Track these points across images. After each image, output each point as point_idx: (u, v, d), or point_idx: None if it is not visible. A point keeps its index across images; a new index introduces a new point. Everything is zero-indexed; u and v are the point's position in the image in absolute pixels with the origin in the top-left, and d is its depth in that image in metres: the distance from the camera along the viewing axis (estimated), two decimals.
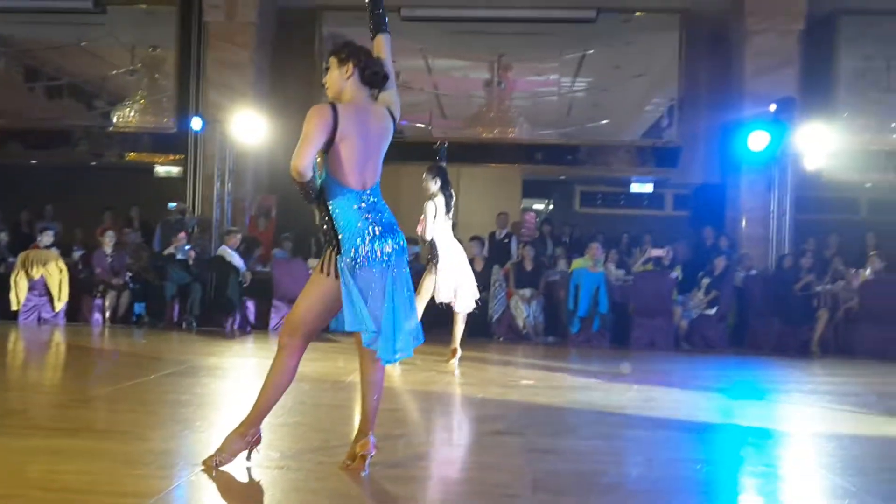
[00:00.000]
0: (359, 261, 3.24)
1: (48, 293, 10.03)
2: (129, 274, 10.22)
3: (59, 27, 12.87)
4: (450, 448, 4.10)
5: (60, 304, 10.07)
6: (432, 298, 7.07)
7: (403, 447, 4.02)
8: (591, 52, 12.48)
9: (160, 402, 5.02)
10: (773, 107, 10.66)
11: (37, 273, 9.96)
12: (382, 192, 3.45)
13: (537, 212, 14.78)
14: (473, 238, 9.91)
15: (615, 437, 4.49)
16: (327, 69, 3.44)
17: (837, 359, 9.07)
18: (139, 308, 10.19)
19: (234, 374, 6.79)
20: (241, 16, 11.59)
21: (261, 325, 9.87)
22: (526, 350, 9.14)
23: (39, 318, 9.98)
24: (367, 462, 3.35)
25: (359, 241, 3.25)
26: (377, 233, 3.28)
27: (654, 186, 13.86)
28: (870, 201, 13.54)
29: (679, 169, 12.44)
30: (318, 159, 3.32)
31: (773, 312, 9.71)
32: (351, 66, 3.38)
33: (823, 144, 10.78)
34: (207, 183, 11.69)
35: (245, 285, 9.93)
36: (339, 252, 3.27)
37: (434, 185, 6.90)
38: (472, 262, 8.39)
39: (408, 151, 12.35)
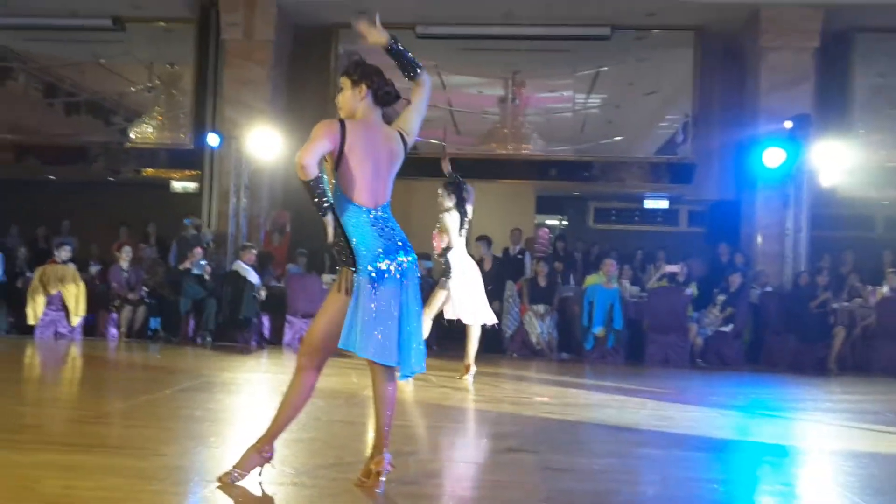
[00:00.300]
0: (376, 277, 3.26)
1: (65, 308, 10.09)
2: (144, 289, 10.28)
3: (78, 44, 13.04)
4: (464, 465, 4.09)
5: (77, 319, 10.13)
6: (440, 313, 7.09)
7: (417, 464, 4.01)
8: (605, 68, 12.51)
9: (175, 417, 5.04)
10: (788, 123, 10.64)
11: (54, 288, 10.03)
12: (394, 206, 3.48)
13: (551, 228, 14.77)
14: (480, 238, 9.86)
15: (630, 456, 4.46)
16: (341, 89, 3.46)
17: (854, 376, 9.00)
18: (155, 323, 10.25)
19: (249, 389, 6.81)
20: (259, 33, 11.71)
21: (275, 340, 9.90)
22: (540, 366, 9.11)
23: (56, 333, 10.04)
24: (382, 479, 3.34)
25: (375, 258, 3.28)
26: (391, 249, 3.31)
27: (669, 203, 13.84)
28: (886, 218, 13.45)
29: (693, 185, 12.42)
30: (330, 176, 3.34)
31: (789, 329, 9.65)
32: (364, 87, 3.41)
33: (839, 161, 10.73)
34: (223, 198, 11.78)
35: (260, 300, 9.97)
36: (355, 269, 3.29)
37: (450, 202, 6.91)
38: (480, 262, 8.44)
39: (421, 167, 12.43)
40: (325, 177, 3.28)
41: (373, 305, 3.24)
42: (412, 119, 3.56)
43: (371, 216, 3.33)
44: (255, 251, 10.35)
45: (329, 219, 3.30)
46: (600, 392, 7.35)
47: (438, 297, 7.01)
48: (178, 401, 5.67)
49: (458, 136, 12.98)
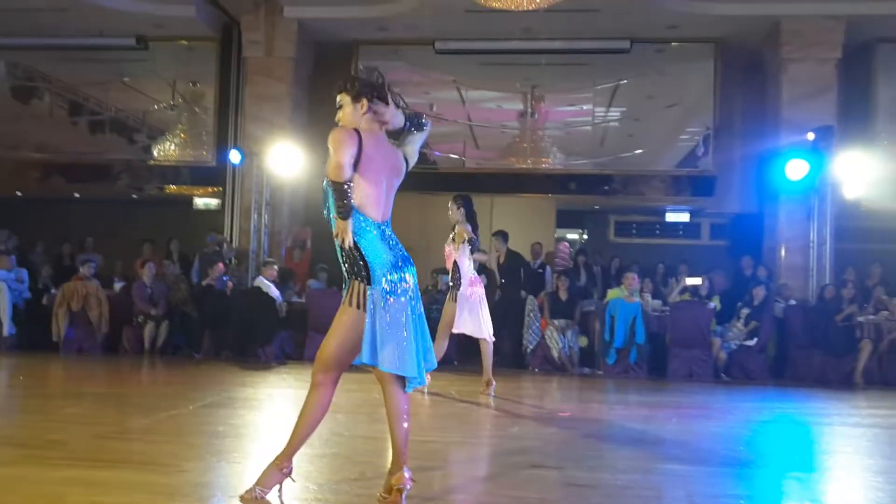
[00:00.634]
0: (390, 290, 3.29)
1: (89, 325, 10.20)
2: (167, 305, 10.36)
3: (102, 63, 13.21)
4: (485, 482, 4.06)
5: (101, 336, 10.24)
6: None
7: (439, 480, 3.99)
8: (625, 82, 12.49)
9: (198, 433, 5.06)
10: (811, 135, 10.56)
11: (78, 305, 10.15)
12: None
13: (571, 241, 14.73)
14: (497, 233, 9.93)
15: (654, 472, 4.41)
16: (341, 107, 3.45)
17: (881, 390, 8.86)
18: (178, 339, 10.32)
19: (270, 404, 6.82)
20: (280, 51, 11.83)
21: (296, 356, 9.92)
22: (561, 381, 9.06)
23: (80, 349, 10.14)
24: (404, 496, 3.33)
25: (388, 272, 3.31)
26: (401, 264, 3.35)
27: (691, 216, 13.75)
28: None
29: (715, 198, 12.35)
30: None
31: (814, 343, 9.53)
32: (365, 101, 3.41)
33: (862, 173, 10.61)
34: (245, 215, 11.87)
35: (281, 316, 10.01)
36: (368, 283, 3.30)
37: (459, 214, 6.99)
38: (498, 258, 8.54)
39: (440, 182, 12.49)
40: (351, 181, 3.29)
41: (388, 317, 3.27)
42: (413, 149, 3.58)
43: (380, 230, 3.36)
44: (276, 267, 10.40)
45: (350, 224, 3.31)
46: (623, 407, 7.30)
47: (451, 311, 7.03)
48: (200, 416, 5.69)
49: (477, 150, 13.01)
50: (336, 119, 3.49)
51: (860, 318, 9.57)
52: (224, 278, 10.29)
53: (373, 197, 3.33)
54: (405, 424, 3.40)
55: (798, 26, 11.06)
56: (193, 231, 12.43)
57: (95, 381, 8.08)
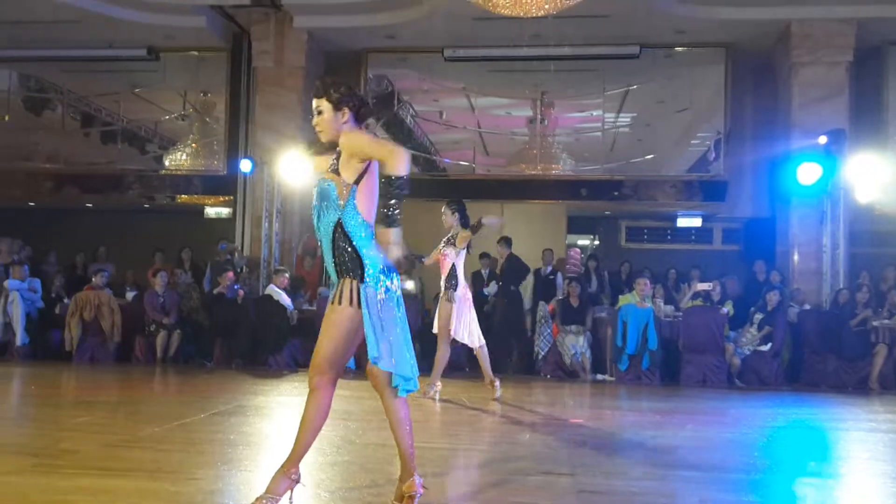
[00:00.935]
0: (386, 294, 3.30)
1: (101, 333, 10.24)
2: (179, 314, 10.39)
3: (113, 75, 13.32)
4: (496, 488, 4.04)
5: (113, 345, 10.27)
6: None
7: (450, 487, 3.97)
8: (635, 87, 12.46)
9: (208, 441, 5.05)
10: (823, 139, 10.50)
11: (90, 314, 10.19)
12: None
13: (582, 248, 14.68)
14: (501, 240, 10.40)
15: (668, 478, 4.37)
16: (320, 112, 3.41)
17: None
18: (189, 347, 10.34)
19: (281, 413, 6.81)
20: (290, 60, 11.88)
21: (307, 364, 9.88)
22: (573, 388, 9.02)
23: (92, 358, 10.18)
24: (416, 502, 3.31)
25: (380, 272, 3.31)
26: (388, 269, 3.36)
27: (702, 221, 13.68)
28: None
29: (727, 203, 12.29)
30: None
31: (828, 348, 9.46)
32: (347, 110, 3.40)
33: (875, 176, 10.54)
34: (256, 223, 11.91)
35: (292, 324, 10.02)
36: (361, 281, 3.29)
37: (454, 219, 7.03)
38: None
39: (451, 189, 12.49)
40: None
41: (380, 315, 3.27)
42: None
43: (371, 233, 3.37)
44: (287, 275, 10.42)
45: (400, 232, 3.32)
46: (636, 413, 7.26)
47: (447, 311, 7.05)
48: (211, 425, 5.69)
49: (487, 157, 13.00)
50: (314, 124, 3.44)
51: (875, 323, 9.49)
52: (235, 287, 10.31)
53: (371, 202, 3.36)
54: (408, 430, 3.38)
55: (808, 29, 11.01)
56: (205, 240, 12.47)
57: (107, 390, 8.10)
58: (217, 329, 10.15)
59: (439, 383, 7.17)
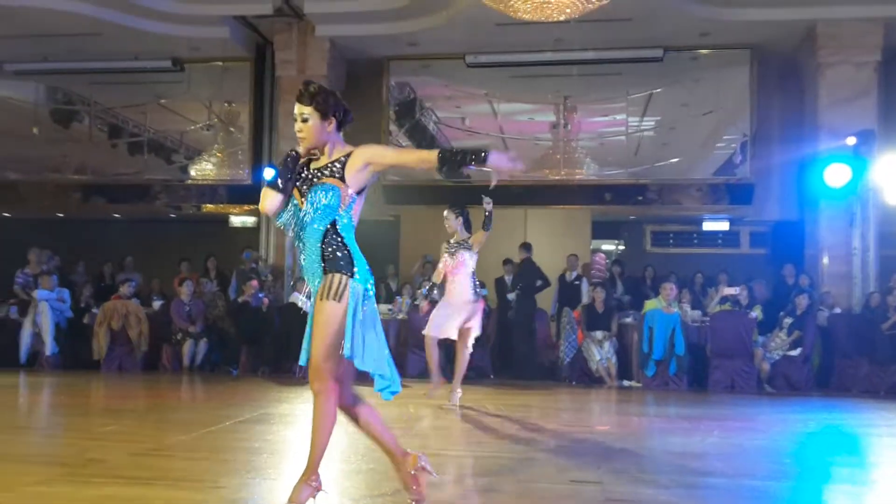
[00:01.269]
0: (369, 296, 3.34)
1: (129, 343, 10.34)
2: (205, 322, 10.46)
3: (139, 86, 13.46)
4: (523, 497, 4.00)
5: (140, 353, 10.37)
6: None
7: (475, 495, 3.93)
8: (659, 90, 12.37)
9: (233, 449, 5.06)
10: (851, 140, 10.35)
11: (118, 323, 10.29)
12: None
13: (607, 253, 14.58)
14: (522, 245, 10.68)
15: (697, 486, 4.30)
16: (305, 120, 3.38)
17: None
18: (215, 356, 10.41)
19: (306, 420, 6.78)
20: (312, 69, 11.94)
21: None
22: (599, 394, 8.94)
23: (120, 367, 10.28)
24: (425, 477, 3.37)
25: (367, 273, 3.36)
26: (370, 271, 3.40)
27: (729, 224, 13.53)
28: None
29: (754, 206, 12.14)
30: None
31: (860, 352, 9.31)
32: (333, 119, 3.41)
33: None
34: (280, 232, 11.93)
35: None
36: (350, 276, 3.29)
37: (458, 224, 7.02)
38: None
39: (474, 195, 12.44)
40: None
41: (363, 314, 3.29)
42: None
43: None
44: None
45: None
46: (663, 420, 7.18)
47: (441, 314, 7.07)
48: (237, 433, 5.70)
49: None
50: (297, 131, 3.41)
51: None
52: (260, 295, 10.36)
53: (360, 209, 3.42)
54: (330, 431, 3.33)
55: (834, 30, 10.87)
56: (230, 249, 12.55)
57: (135, 399, 8.16)
58: (242, 337, 10.20)
59: (460, 390, 7.15)
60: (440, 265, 7.22)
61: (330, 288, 3.27)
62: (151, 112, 13.59)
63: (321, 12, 11.44)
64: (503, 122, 13.00)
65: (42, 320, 10.42)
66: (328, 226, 3.33)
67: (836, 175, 10.32)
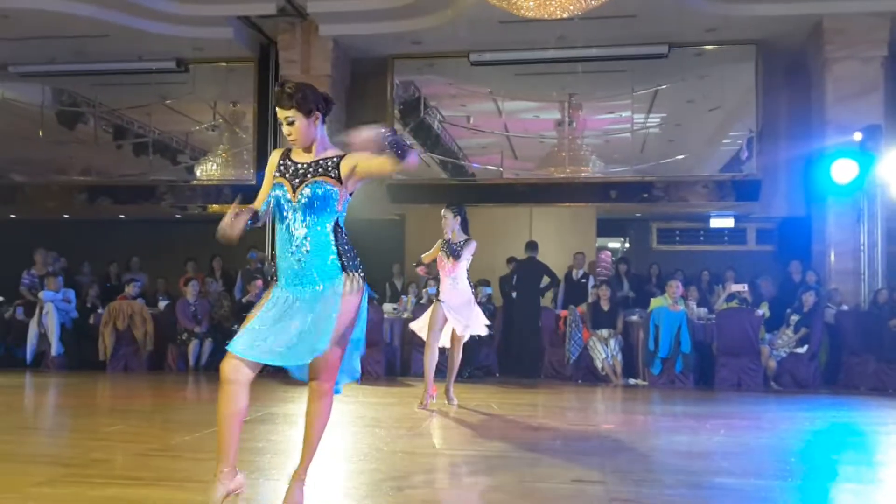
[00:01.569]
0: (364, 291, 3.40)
1: (134, 343, 10.35)
2: (211, 322, 10.46)
3: (144, 87, 13.50)
4: (526, 497, 3.97)
5: (146, 353, 10.38)
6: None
7: (479, 494, 3.91)
8: (664, 87, 12.33)
9: (238, 449, 5.04)
10: (858, 135, 10.29)
11: (123, 324, 10.31)
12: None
13: (613, 250, 14.54)
14: (529, 244, 10.66)
15: (703, 486, 4.27)
16: (291, 123, 3.36)
17: None
18: (221, 356, 10.39)
19: None
20: (316, 69, 11.93)
21: None
22: (605, 392, 8.91)
23: (126, 367, 10.29)
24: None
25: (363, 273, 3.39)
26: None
27: (735, 221, 13.47)
28: None
29: (760, 202, 12.08)
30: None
31: (867, 349, 9.25)
32: (318, 114, 3.39)
33: None
34: None
35: None
36: (357, 272, 3.36)
37: (456, 223, 6.99)
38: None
39: (479, 193, 12.45)
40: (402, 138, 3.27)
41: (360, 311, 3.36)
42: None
43: None
44: None
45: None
46: (669, 418, 7.14)
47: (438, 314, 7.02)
48: (241, 433, 5.66)
49: (515, 161, 12.94)
50: (286, 134, 3.40)
51: None
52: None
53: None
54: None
55: (841, 25, 10.81)
56: (236, 249, 12.48)
57: (140, 399, 8.17)
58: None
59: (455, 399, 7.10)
60: (432, 251, 7.16)
61: (352, 287, 3.31)
62: (156, 113, 13.62)
63: (324, 12, 11.43)
64: (508, 121, 12.97)
65: (48, 321, 10.45)
66: (333, 224, 3.33)
67: (844, 171, 10.27)
